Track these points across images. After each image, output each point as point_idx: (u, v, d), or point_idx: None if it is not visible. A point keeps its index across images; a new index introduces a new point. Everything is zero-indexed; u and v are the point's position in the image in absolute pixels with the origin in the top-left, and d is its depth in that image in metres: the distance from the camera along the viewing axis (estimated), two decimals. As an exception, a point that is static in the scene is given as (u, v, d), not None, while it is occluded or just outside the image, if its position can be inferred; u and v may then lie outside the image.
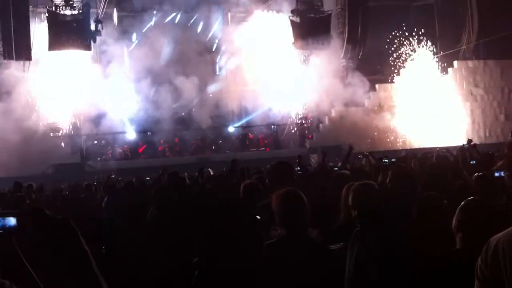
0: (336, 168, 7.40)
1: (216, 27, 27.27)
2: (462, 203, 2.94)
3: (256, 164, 11.91)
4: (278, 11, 26.99)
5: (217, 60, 28.39)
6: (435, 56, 27.54)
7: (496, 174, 4.58)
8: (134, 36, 26.24)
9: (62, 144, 23.87)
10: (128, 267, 6.32)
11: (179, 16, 26.64)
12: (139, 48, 25.61)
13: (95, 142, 25.89)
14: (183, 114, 26.92)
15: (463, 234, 2.89)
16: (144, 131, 26.11)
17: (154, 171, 15.24)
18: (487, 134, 26.71)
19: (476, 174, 4.73)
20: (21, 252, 1.72)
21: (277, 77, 26.14)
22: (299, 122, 28.10)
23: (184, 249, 5.28)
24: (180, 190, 7.00)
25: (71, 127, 24.84)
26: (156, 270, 5.72)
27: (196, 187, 8.18)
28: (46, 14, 22.51)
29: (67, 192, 11.15)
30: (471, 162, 7.36)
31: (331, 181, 5.95)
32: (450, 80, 27.37)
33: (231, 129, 27.98)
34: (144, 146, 26.11)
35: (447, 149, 15.08)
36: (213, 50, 28.40)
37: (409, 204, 4.25)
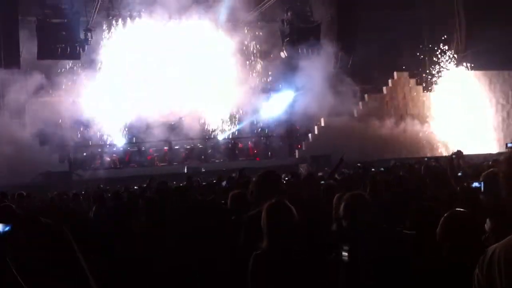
0: (322, 182, 7.36)
1: (206, 36, 27.24)
2: (446, 213, 2.97)
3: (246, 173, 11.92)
4: (268, 21, 27.05)
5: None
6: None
7: (473, 185, 4.60)
8: (124, 44, 26.12)
9: (53, 154, 23.63)
10: (117, 277, 6.28)
11: (170, 23, 26.58)
12: (131, 55, 25.55)
13: (84, 154, 25.72)
14: (172, 123, 26.81)
15: (448, 243, 2.90)
16: (134, 142, 26.10)
17: (143, 181, 15.19)
18: (475, 145, 26.82)
19: (462, 184, 4.75)
20: (12, 259, 1.70)
21: (266, 86, 26.22)
22: (288, 131, 28.17)
23: (174, 257, 5.27)
24: (169, 199, 6.99)
25: (61, 135, 24.69)
26: (146, 279, 5.69)
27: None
28: (36, 23, 22.39)
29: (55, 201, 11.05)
30: (459, 174, 7.38)
31: (320, 192, 5.96)
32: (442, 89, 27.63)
33: (220, 137, 27.91)
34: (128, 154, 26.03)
35: (436, 159, 15.17)
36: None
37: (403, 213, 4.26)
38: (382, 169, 11.70)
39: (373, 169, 11.33)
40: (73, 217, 8.42)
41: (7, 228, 1.80)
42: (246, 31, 26.94)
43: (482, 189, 4.50)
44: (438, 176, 6.64)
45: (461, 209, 3.08)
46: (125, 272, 6.04)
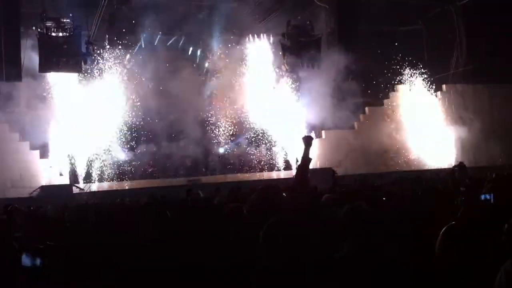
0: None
1: (208, 50, 27.35)
2: (444, 228, 2.96)
3: (248, 186, 11.89)
4: (270, 35, 27.13)
5: (209, 82, 28.39)
6: (426, 79, 27.80)
7: (482, 197, 4.59)
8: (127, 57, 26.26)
9: (51, 166, 23.55)
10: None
11: (172, 39, 26.73)
12: (131, 69, 25.65)
13: (85, 166, 25.64)
14: (173, 135, 26.82)
15: (446, 258, 2.89)
16: (135, 154, 26.13)
17: (143, 193, 15.20)
18: (476, 158, 26.76)
19: (462, 199, 4.73)
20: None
21: (267, 99, 26.24)
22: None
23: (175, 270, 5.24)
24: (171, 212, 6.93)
25: (61, 147, 24.64)
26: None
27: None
28: (37, 36, 22.45)
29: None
30: (461, 189, 7.33)
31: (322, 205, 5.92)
32: (439, 103, 27.70)
33: (221, 150, 27.89)
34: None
35: (437, 173, 15.15)
36: (204, 72, 28.49)
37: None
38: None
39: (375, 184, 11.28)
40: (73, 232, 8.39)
41: (38, 261, 1.78)
42: (247, 42, 27.05)
43: (492, 200, 4.51)
44: (440, 191, 6.60)
45: (459, 223, 3.07)
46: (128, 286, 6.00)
